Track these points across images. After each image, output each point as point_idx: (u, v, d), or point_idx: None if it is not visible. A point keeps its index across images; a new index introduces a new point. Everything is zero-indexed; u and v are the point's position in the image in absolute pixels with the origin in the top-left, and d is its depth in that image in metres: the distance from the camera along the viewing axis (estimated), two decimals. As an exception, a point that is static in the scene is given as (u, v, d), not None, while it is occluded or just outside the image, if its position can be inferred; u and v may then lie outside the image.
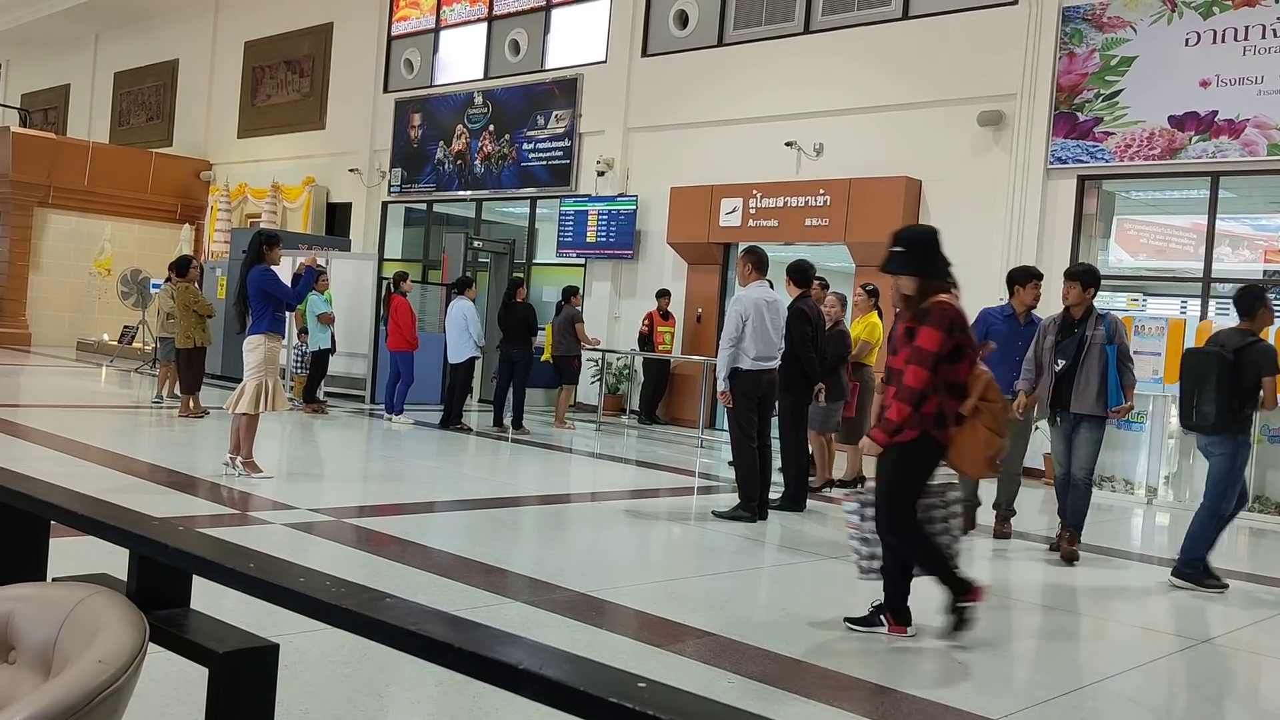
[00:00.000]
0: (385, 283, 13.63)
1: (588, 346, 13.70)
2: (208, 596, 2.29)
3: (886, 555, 4.89)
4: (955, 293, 4.82)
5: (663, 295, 14.82)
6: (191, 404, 11.48)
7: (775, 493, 8.15)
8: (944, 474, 4.96)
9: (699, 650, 4.45)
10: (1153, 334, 10.36)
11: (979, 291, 12.13)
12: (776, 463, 8.12)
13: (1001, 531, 7.70)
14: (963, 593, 4.81)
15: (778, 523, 7.73)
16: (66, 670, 1.79)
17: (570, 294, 13.43)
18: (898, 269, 4.82)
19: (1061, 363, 6.96)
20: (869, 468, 9.67)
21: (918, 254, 4.80)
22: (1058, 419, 7.13)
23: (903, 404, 4.63)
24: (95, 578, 2.20)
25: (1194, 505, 9.88)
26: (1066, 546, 7.04)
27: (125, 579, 2.20)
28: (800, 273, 8.23)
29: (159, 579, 2.14)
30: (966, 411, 4.70)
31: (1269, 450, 9.70)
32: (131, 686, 1.82)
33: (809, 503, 8.35)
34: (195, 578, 2.16)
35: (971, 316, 7.55)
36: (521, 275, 14.87)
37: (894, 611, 4.89)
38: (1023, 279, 7.60)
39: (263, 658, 2.02)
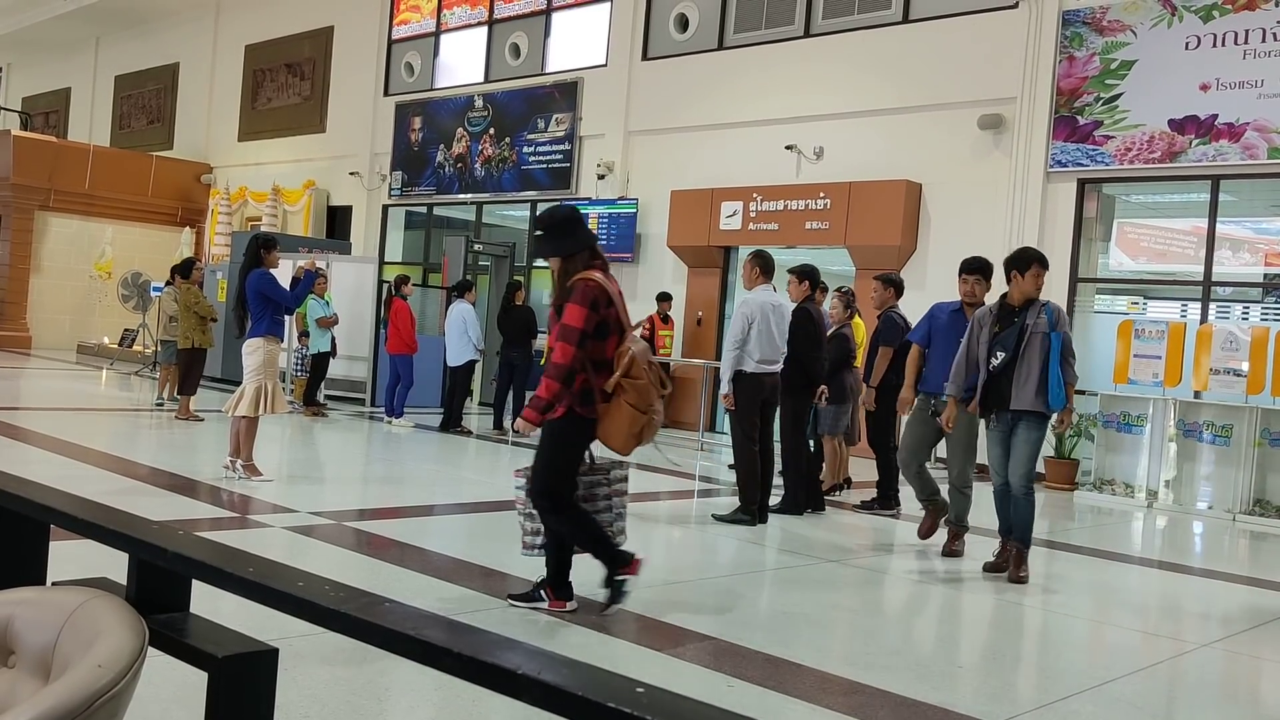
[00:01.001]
0: (386, 285, 13.64)
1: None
2: (207, 600, 2.29)
3: (547, 531, 4.92)
4: (601, 269, 4.82)
5: (664, 299, 14.82)
6: (189, 406, 11.48)
7: (776, 497, 8.15)
8: (605, 455, 4.98)
9: (699, 654, 4.45)
10: (1153, 337, 10.37)
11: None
12: (778, 465, 8.12)
13: (951, 549, 7.05)
14: (620, 566, 4.86)
15: (778, 526, 7.73)
16: (66, 674, 1.79)
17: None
18: (545, 253, 4.94)
19: (1000, 355, 6.30)
20: (849, 469, 9.73)
21: (557, 234, 4.88)
22: (993, 420, 6.45)
23: (552, 381, 4.64)
24: (95, 582, 2.20)
25: (1194, 509, 9.92)
26: (1014, 570, 6.35)
27: (125, 583, 2.20)
28: (807, 275, 8.22)
29: (158, 583, 2.14)
30: (609, 388, 4.70)
31: (1269, 453, 9.70)
32: (131, 691, 1.82)
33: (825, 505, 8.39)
34: (195, 582, 2.16)
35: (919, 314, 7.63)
36: (520, 279, 14.85)
37: (555, 587, 4.92)
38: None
39: (262, 662, 2.02)
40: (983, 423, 6.63)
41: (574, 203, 16.34)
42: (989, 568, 6.56)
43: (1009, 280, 6.50)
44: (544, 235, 4.92)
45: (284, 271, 9.50)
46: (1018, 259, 6.47)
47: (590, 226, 4.80)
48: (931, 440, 7.25)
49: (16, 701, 1.85)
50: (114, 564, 2.32)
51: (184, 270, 12.17)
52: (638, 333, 14.68)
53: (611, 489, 5.07)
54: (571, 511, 4.85)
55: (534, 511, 4.94)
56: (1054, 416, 6.30)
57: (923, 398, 7.24)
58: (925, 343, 7.32)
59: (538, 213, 17.70)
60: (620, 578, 4.86)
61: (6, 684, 1.95)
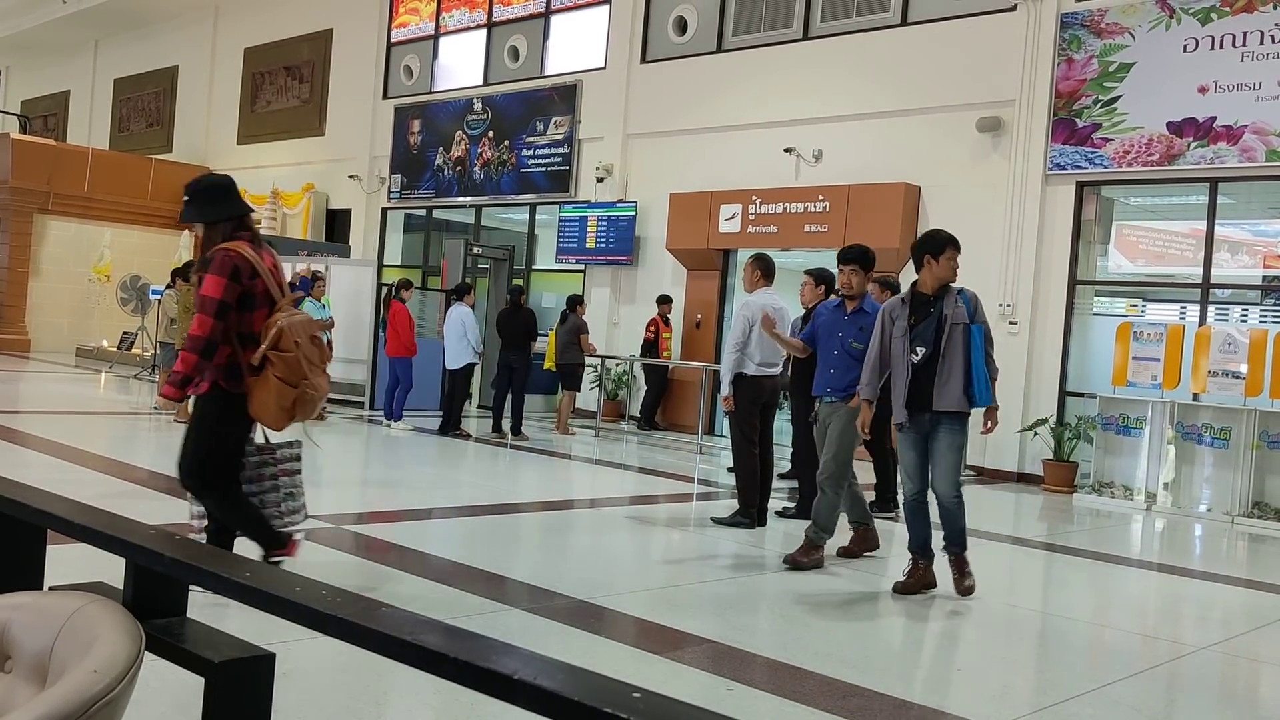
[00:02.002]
0: (387, 289, 13.63)
1: (590, 354, 13.74)
2: (205, 605, 2.29)
3: (208, 513, 4.85)
4: (250, 240, 4.69)
5: (664, 301, 14.82)
6: (188, 409, 11.46)
7: (775, 500, 8.14)
8: (290, 435, 4.89)
9: (698, 657, 4.45)
10: (1151, 340, 10.37)
11: (980, 296, 12.13)
12: (778, 468, 8.11)
13: (848, 550, 6.81)
14: (275, 547, 4.82)
15: (778, 528, 7.72)
16: (62, 680, 1.78)
17: (575, 303, 13.44)
18: (188, 218, 4.83)
19: (921, 350, 5.73)
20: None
21: (203, 201, 4.75)
22: (906, 423, 5.90)
23: (189, 354, 4.53)
24: (91, 586, 2.20)
25: (1193, 511, 9.92)
26: (958, 580, 5.90)
27: (121, 587, 2.20)
28: (824, 279, 8.20)
29: (155, 588, 2.14)
30: (255, 361, 4.59)
31: (1268, 455, 9.70)
32: (127, 696, 1.82)
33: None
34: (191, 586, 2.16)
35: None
36: (521, 283, 14.88)
37: None
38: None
39: (259, 667, 2.02)
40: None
41: (573, 205, 16.36)
42: (900, 588, 5.96)
43: (920, 266, 5.88)
44: (190, 200, 4.73)
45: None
46: (930, 242, 5.87)
47: (241, 196, 4.42)
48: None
49: (13, 706, 1.85)
50: (111, 569, 2.32)
51: (184, 272, 12.20)
52: (642, 336, 14.81)
53: (280, 468, 4.99)
54: (222, 491, 4.72)
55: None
56: (984, 418, 5.85)
57: (828, 404, 6.77)
58: (812, 343, 6.92)
59: (535, 216, 17.72)
60: (274, 559, 4.77)
61: (3, 689, 1.95)
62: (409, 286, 13.33)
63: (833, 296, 7.13)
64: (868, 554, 6.88)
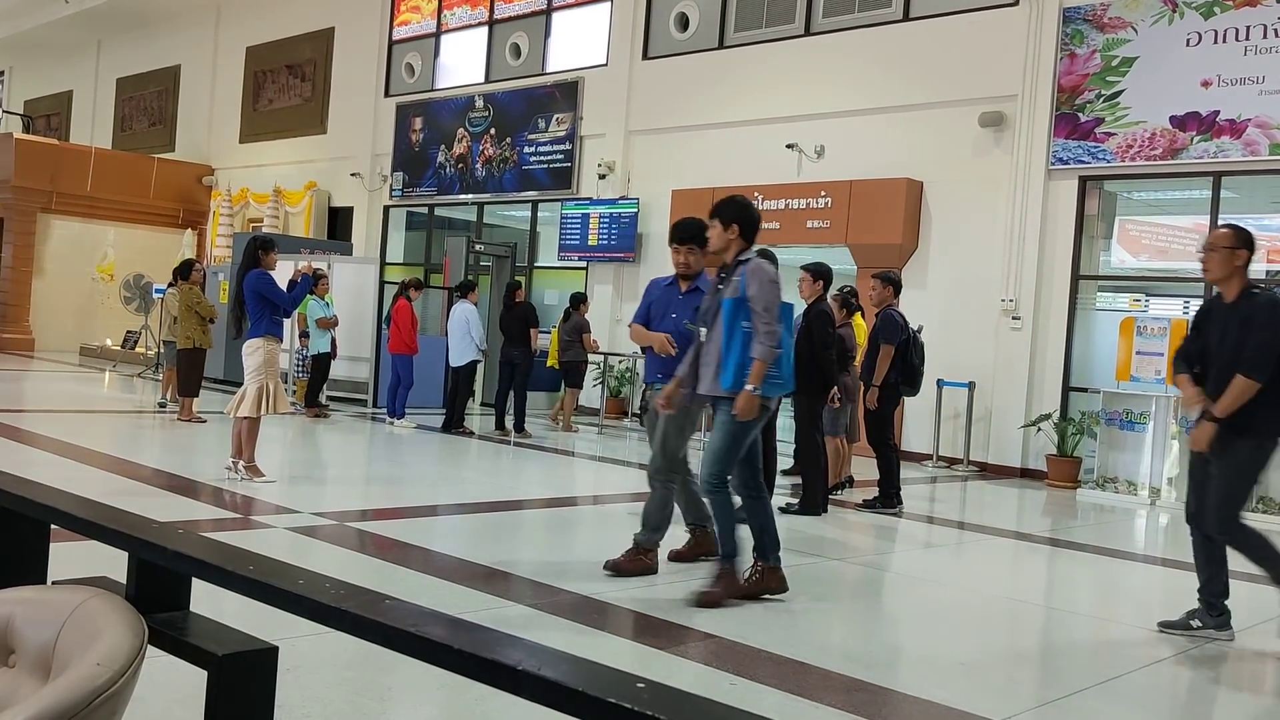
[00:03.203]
0: (399, 285, 13.61)
1: (592, 352, 13.75)
2: (208, 600, 2.29)
3: None
4: None
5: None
6: (192, 407, 11.48)
7: (778, 496, 8.14)
8: None
9: (701, 652, 4.44)
10: (1155, 335, 10.35)
11: (981, 293, 12.15)
12: (780, 464, 8.11)
13: (680, 554, 6.17)
14: None
15: (781, 524, 7.68)
16: (65, 673, 1.78)
17: (579, 302, 13.44)
18: None
19: (704, 331, 5.43)
20: (851, 468, 9.74)
21: None
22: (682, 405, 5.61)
23: None
24: (95, 581, 2.20)
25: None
26: (711, 586, 5.30)
27: (125, 582, 2.20)
28: (821, 274, 8.18)
29: (158, 582, 2.14)
30: None
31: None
32: (130, 689, 1.82)
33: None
34: (195, 581, 2.15)
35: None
36: (520, 280, 14.86)
37: None
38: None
39: (262, 660, 2.01)
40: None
41: (575, 202, 16.34)
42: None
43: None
44: None
45: (283, 273, 9.50)
46: (717, 209, 5.48)
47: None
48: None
49: (17, 700, 1.84)
50: (114, 565, 2.32)
51: (184, 272, 12.20)
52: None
53: None
54: None
55: None
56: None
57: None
58: (645, 322, 6.25)
59: (537, 213, 17.72)
60: None
61: (6, 683, 1.95)
62: (419, 287, 13.34)
63: (708, 274, 6.11)
64: (704, 558, 6.03)
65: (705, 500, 5.48)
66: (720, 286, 5.35)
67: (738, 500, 5.44)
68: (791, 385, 5.55)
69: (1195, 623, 5.26)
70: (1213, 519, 5.20)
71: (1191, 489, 5.48)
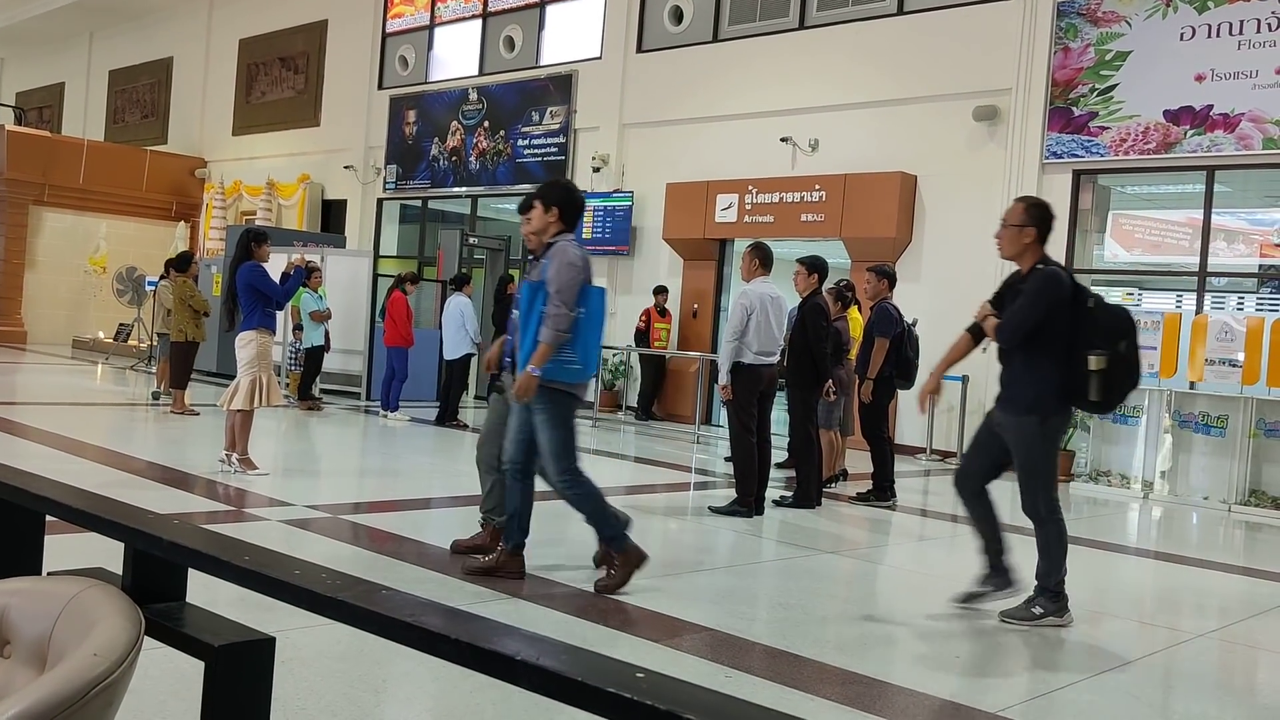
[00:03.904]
0: (393, 279, 13.60)
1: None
2: (204, 592, 2.29)
3: None
4: None
5: (660, 292, 14.82)
6: (184, 400, 11.46)
7: (772, 489, 8.15)
8: None
9: (696, 645, 4.45)
10: (1148, 328, 10.36)
11: (976, 285, 12.14)
12: (775, 458, 8.12)
13: (462, 545, 5.85)
14: None
15: (775, 518, 7.73)
16: (61, 664, 1.78)
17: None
18: None
19: (517, 314, 5.29)
20: (845, 461, 9.76)
21: None
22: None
23: None
24: (90, 572, 2.19)
25: (1190, 500, 9.94)
26: (606, 576, 5.23)
27: (120, 573, 2.19)
28: (816, 267, 8.18)
29: (154, 573, 2.13)
30: None
31: (1265, 444, 9.71)
32: (127, 680, 1.81)
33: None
34: (191, 572, 2.15)
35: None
36: (513, 273, 14.84)
37: None
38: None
39: (259, 650, 2.01)
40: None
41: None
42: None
43: None
44: None
45: (275, 266, 9.48)
46: (541, 190, 5.36)
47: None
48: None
49: (12, 691, 1.84)
50: (109, 556, 2.32)
51: (180, 264, 12.16)
52: (634, 326, 14.82)
53: None
54: None
55: None
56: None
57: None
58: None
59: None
60: None
61: (2, 674, 1.94)
62: (415, 280, 13.32)
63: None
64: (477, 556, 5.63)
65: (568, 494, 5.27)
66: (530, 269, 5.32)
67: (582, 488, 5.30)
68: (593, 371, 5.29)
69: (1036, 609, 5.21)
70: (1025, 503, 5.19)
71: (970, 450, 5.51)
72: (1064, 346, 4.99)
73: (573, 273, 5.04)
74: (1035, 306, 5.03)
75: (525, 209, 5.39)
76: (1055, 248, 11.74)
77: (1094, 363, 4.91)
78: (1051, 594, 5.18)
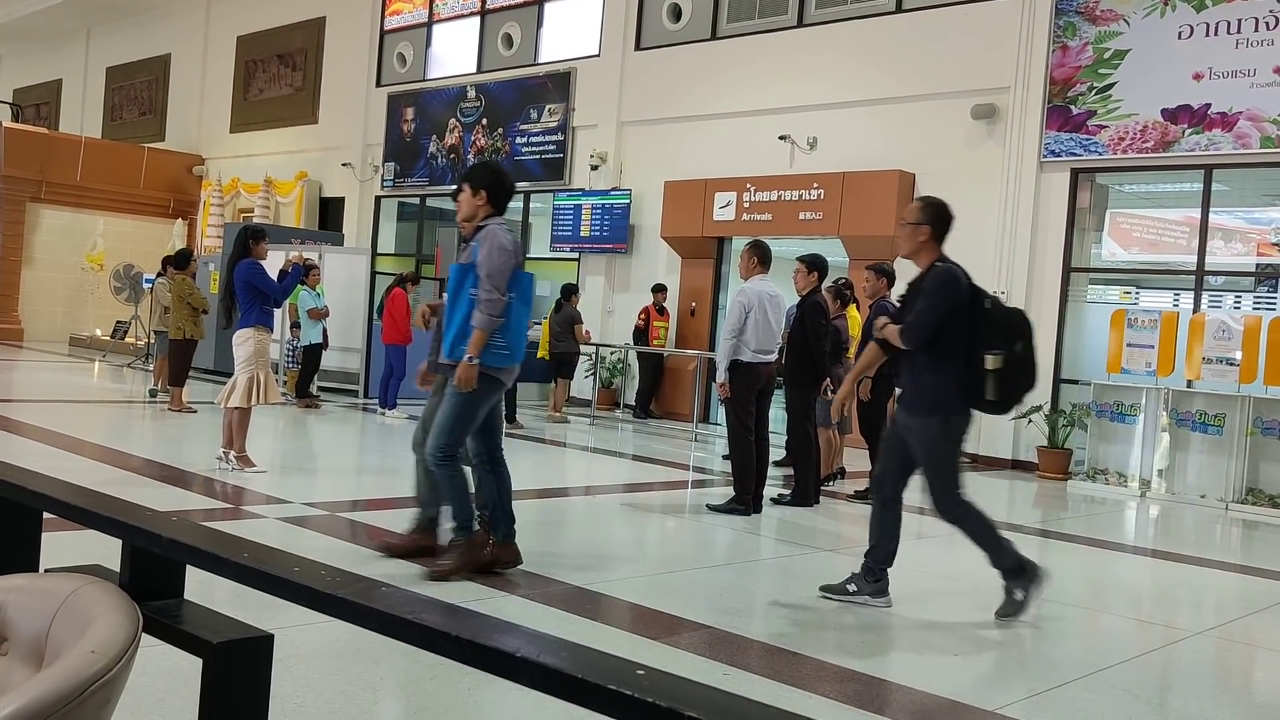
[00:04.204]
0: (395, 277, 13.58)
1: (585, 343, 13.75)
2: (202, 589, 2.28)
3: None
4: None
5: (659, 290, 14.82)
6: (183, 397, 11.44)
7: (770, 487, 8.14)
8: None
9: (694, 643, 4.45)
10: (1146, 327, 10.38)
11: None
12: (772, 456, 8.11)
13: (388, 544, 5.70)
14: None
15: (773, 515, 7.73)
16: (58, 661, 1.77)
17: (570, 293, 13.43)
18: None
19: (445, 297, 5.35)
20: (843, 459, 9.76)
21: None
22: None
23: None
24: (88, 569, 2.18)
25: (1187, 498, 9.95)
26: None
27: (118, 570, 2.18)
28: (816, 265, 8.18)
29: (152, 570, 2.13)
30: None
31: (1262, 442, 9.72)
32: (124, 677, 1.81)
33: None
34: (189, 569, 2.14)
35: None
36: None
37: None
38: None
39: (257, 648, 2.00)
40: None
41: (568, 193, 16.32)
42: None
43: None
44: None
45: (274, 263, 9.46)
46: (469, 173, 5.40)
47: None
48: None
49: (9, 688, 1.83)
50: (107, 554, 2.31)
51: (180, 261, 12.14)
52: (621, 323, 14.83)
53: None
54: None
55: None
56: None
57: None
58: None
59: (530, 204, 17.69)
60: None
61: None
62: (416, 281, 13.32)
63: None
64: (420, 557, 5.49)
65: (436, 473, 5.21)
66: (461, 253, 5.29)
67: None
68: (520, 357, 5.19)
69: (851, 587, 5.28)
70: (937, 504, 5.21)
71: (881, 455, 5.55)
72: (963, 347, 5.02)
73: (504, 257, 5.01)
74: (937, 307, 5.03)
75: (456, 194, 5.43)
76: (1053, 246, 11.78)
77: (991, 362, 4.95)
78: (1013, 571, 5.20)
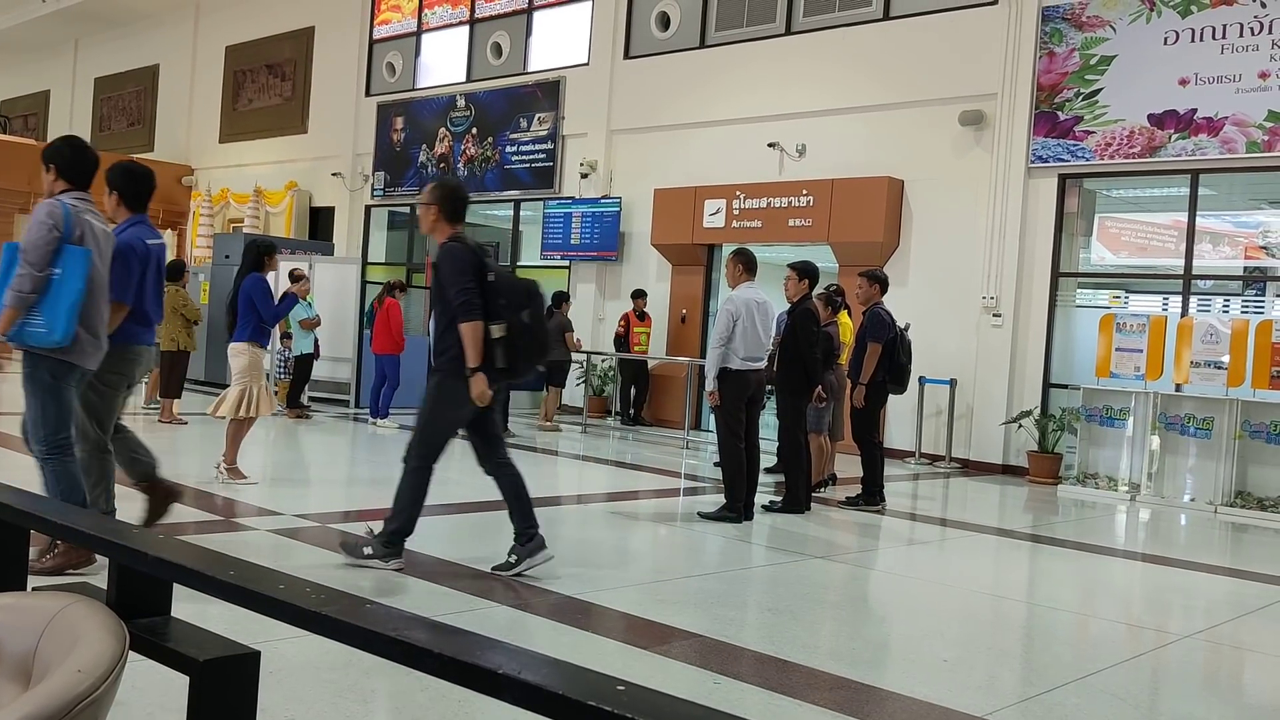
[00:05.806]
0: (382, 286, 13.58)
1: (575, 351, 13.76)
2: (191, 605, 2.29)
3: None
4: None
5: (639, 296, 14.84)
6: (173, 409, 11.43)
7: (761, 495, 8.16)
8: None
9: (685, 652, 4.45)
10: (1134, 331, 10.42)
11: (963, 289, 12.20)
12: (763, 463, 8.13)
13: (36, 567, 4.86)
14: None
15: (764, 523, 7.74)
16: (46, 680, 1.78)
17: (561, 300, 13.45)
18: None
19: None
20: (834, 465, 9.79)
21: None
22: None
23: None
24: (75, 586, 2.19)
25: (1176, 501, 9.98)
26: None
27: (105, 588, 2.19)
28: (807, 273, 8.20)
29: (139, 588, 2.13)
30: None
31: (1250, 445, 9.76)
32: (111, 695, 1.81)
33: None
34: (176, 586, 2.15)
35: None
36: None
37: None
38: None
39: (243, 665, 2.01)
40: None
41: (558, 202, 16.34)
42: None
43: None
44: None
45: (281, 271, 9.45)
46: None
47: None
48: None
49: (-4, 708, 1.84)
50: (95, 571, 2.31)
51: (173, 273, 12.12)
52: (613, 330, 14.83)
53: None
54: None
55: None
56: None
57: None
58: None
59: (520, 212, 17.71)
60: None
61: (-14, 690, 1.94)
62: (404, 288, 13.31)
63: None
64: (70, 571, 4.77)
65: (45, 468, 4.90)
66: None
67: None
68: (67, 337, 4.79)
69: (366, 550, 5.48)
70: (408, 447, 5.64)
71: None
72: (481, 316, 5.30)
73: (42, 231, 4.74)
74: (452, 279, 5.32)
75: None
76: (1041, 252, 11.82)
77: (495, 331, 5.30)
78: (386, 538, 5.43)
